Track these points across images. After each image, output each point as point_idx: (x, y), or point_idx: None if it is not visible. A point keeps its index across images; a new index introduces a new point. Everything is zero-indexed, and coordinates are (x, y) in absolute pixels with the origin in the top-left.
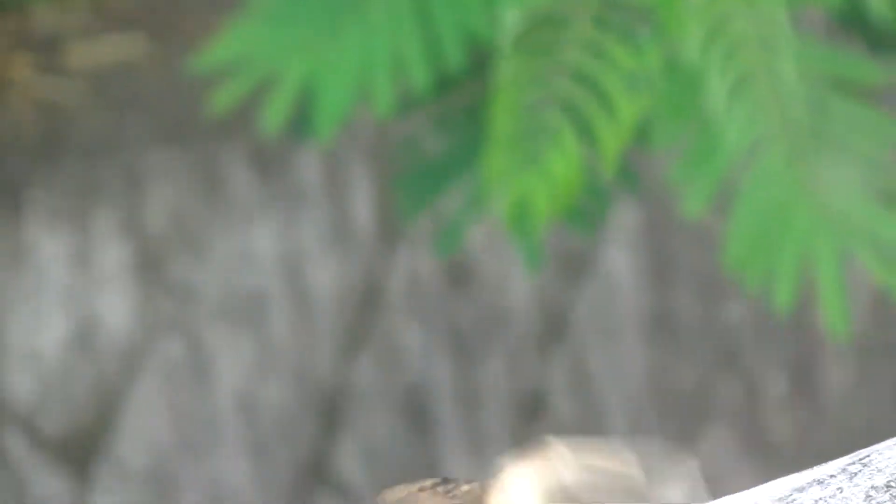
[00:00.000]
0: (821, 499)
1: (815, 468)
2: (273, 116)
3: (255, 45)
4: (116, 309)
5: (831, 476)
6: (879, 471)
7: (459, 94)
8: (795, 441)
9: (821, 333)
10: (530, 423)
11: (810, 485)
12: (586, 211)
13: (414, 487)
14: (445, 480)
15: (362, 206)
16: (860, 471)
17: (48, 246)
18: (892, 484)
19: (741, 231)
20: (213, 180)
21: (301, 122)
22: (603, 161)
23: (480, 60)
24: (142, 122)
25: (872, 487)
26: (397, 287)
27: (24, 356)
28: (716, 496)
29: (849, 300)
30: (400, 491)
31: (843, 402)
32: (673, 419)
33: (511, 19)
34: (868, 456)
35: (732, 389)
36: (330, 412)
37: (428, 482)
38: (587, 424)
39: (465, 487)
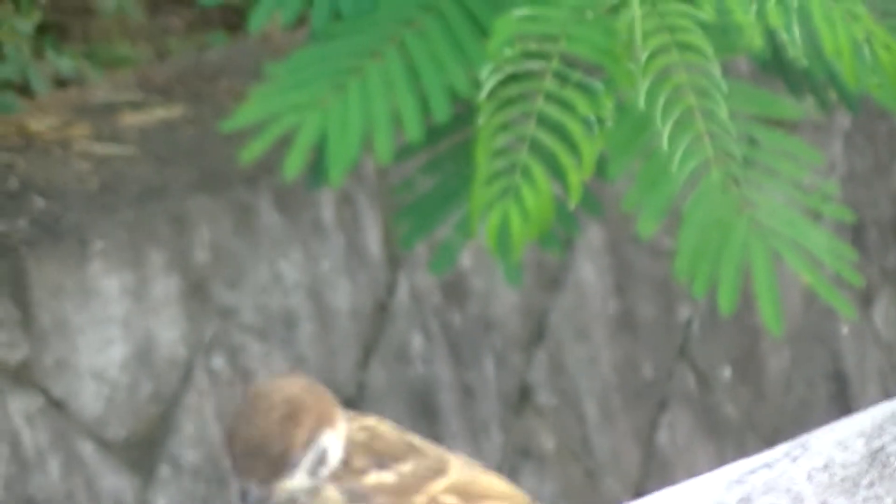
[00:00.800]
0: (770, 479)
1: (762, 453)
2: (293, 165)
3: (274, 107)
4: (169, 331)
5: (777, 460)
6: (818, 453)
7: (446, 141)
8: (741, 421)
9: (759, 328)
10: (518, 412)
11: (760, 468)
12: (557, 234)
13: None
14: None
15: (370, 237)
16: (801, 454)
17: (109, 280)
18: (829, 465)
19: (687, 245)
20: (245, 220)
21: (317, 169)
22: (569, 191)
23: (463, 112)
24: (183, 173)
25: (812, 468)
26: (402, 303)
27: (92, 374)
28: (676, 472)
29: (782, 299)
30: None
31: (781, 386)
32: (637, 405)
33: (486, 77)
34: (807, 441)
35: (686, 378)
36: (350, 409)
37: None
38: (565, 412)
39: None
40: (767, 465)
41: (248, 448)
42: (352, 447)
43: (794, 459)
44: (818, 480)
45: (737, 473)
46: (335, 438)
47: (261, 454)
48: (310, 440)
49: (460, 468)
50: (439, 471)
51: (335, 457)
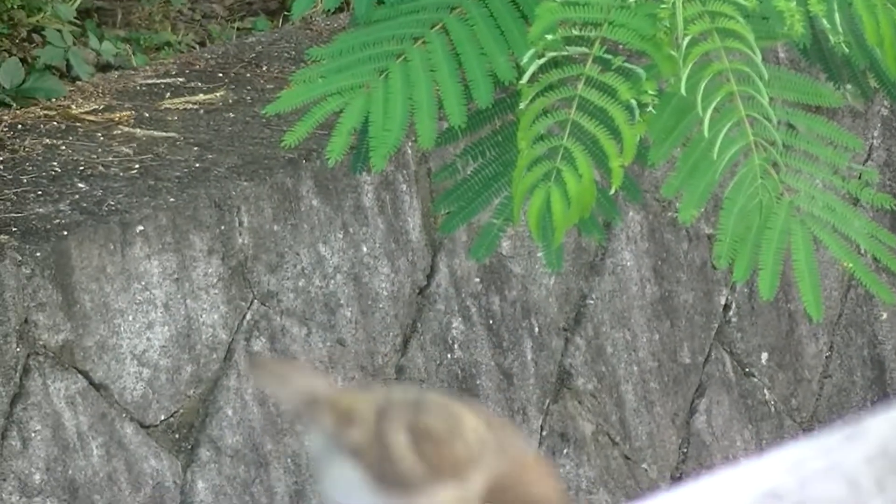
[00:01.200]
0: (827, 464)
1: (818, 438)
2: (335, 149)
3: (317, 91)
4: (209, 314)
5: (834, 444)
6: (876, 438)
7: (488, 126)
8: (778, 406)
9: (796, 314)
10: (556, 396)
11: (817, 452)
12: (598, 219)
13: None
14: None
15: (411, 222)
16: (859, 439)
17: (150, 264)
18: (887, 449)
19: (728, 230)
20: (286, 204)
21: (359, 154)
22: (610, 177)
23: (505, 98)
24: (225, 158)
25: (870, 452)
26: (441, 287)
27: (133, 357)
28: (713, 457)
29: (821, 284)
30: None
31: (818, 371)
32: (674, 390)
33: (528, 63)
34: (864, 426)
35: (723, 364)
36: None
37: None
38: (603, 396)
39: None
40: (825, 450)
41: None
42: None
43: (852, 443)
44: (876, 465)
45: (794, 457)
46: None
47: None
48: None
49: None
50: None
51: None
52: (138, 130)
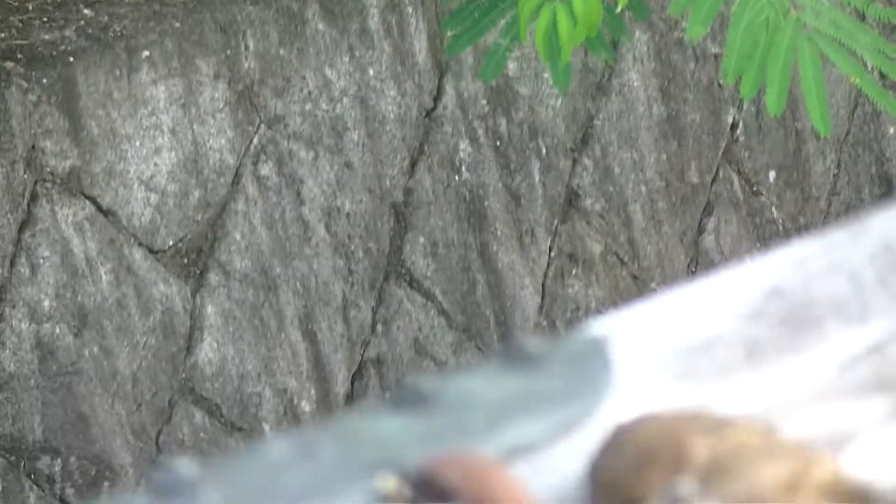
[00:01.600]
0: (832, 261)
1: (823, 235)
2: None
3: None
4: (216, 139)
5: (840, 242)
6: (880, 234)
7: None
8: (787, 224)
9: (804, 131)
10: (565, 217)
11: (822, 251)
12: (605, 38)
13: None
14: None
15: (417, 44)
16: (862, 235)
17: (157, 89)
18: (892, 246)
19: (735, 46)
20: (292, 28)
21: None
22: None
23: None
24: None
25: (874, 250)
26: (448, 109)
27: (142, 182)
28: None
29: (829, 101)
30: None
31: (826, 189)
32: (682, 209)
33: None
34: (869, 222)
35: (731, 182)
36: (399, 215)
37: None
38: (611, 216)
39: None
40: (830, 247)
41: (603, 488)
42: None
43: (856, 240)
44: (880, 261)
45: (799, 255)
46: (691, 482)
47: (614, 495)
48: (663, 486)
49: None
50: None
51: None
52: None
